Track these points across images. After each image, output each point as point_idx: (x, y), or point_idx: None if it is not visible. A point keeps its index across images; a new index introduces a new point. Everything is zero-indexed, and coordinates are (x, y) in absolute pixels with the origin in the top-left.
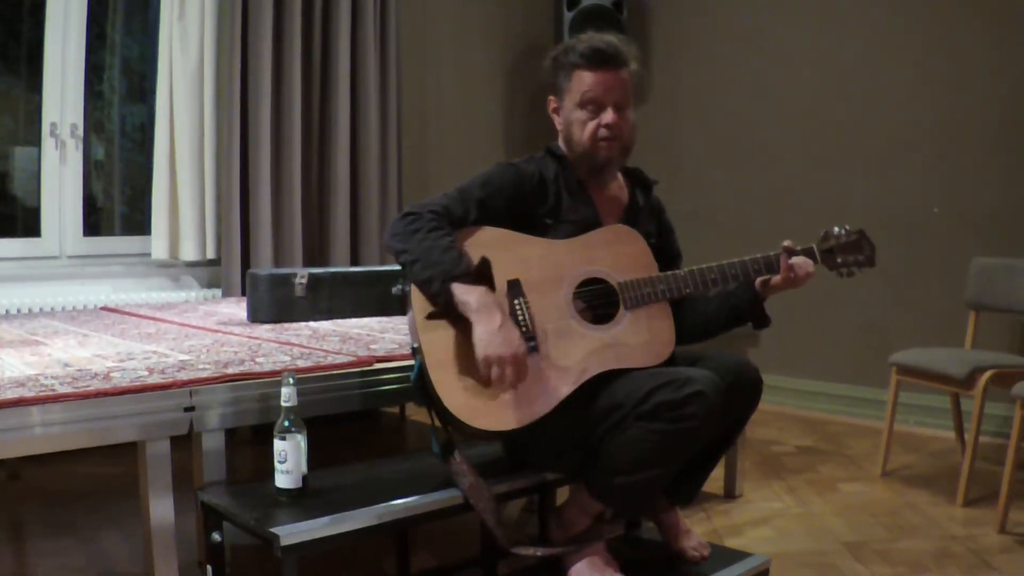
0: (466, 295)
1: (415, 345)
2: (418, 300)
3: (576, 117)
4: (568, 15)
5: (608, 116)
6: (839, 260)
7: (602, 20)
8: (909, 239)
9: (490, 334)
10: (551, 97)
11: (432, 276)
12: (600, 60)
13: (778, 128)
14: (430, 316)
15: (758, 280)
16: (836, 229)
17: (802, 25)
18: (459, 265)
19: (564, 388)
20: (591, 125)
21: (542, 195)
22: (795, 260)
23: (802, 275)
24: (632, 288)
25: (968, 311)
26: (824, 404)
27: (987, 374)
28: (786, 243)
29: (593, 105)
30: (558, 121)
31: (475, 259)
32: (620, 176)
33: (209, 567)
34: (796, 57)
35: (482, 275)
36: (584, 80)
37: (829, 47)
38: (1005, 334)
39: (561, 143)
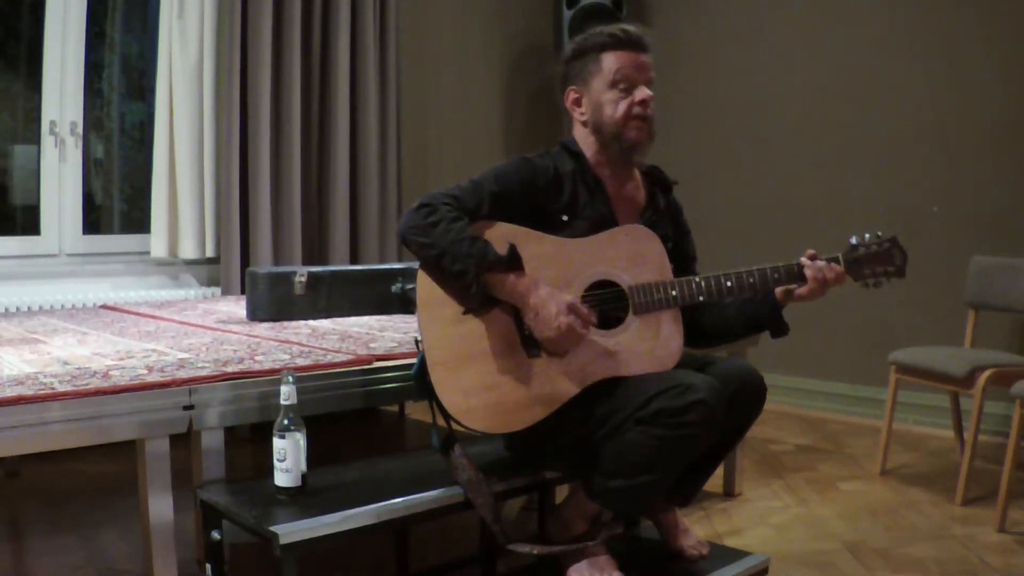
0: (507, 284)
1: (419, 337)
2: (424, 291)
3: (608, 97)
4: (567, 13)
5: (642, 92)
6: (867, 271)
7: (602, 18)
8: (908, 238)
9: (534, 321)
10: (571, 88)
11: (465, 268)
12: (630, 41)
13: (778, 127)
14: (465, 313)
15: (779, 289)
16: (867, 236)
17: (802, 25)
18: (489, 255)
19: (565, 393)
20: (624, 103)
21: (557, 190)
22: (830, 272)
23: (832, 278)
24: (643, 293)
25: (967, 310)
26: (823, 403)
27: (986, 373)
28: (810, 252)
29: (626, 83)
30: (579, 112)
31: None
32: (638, 175)
33: (208, 565)
34: (796, 56)
35: (513, 261)
36: (616, 59)
37: (829, 47)
38: (1004, 333)
39: (577, 137)
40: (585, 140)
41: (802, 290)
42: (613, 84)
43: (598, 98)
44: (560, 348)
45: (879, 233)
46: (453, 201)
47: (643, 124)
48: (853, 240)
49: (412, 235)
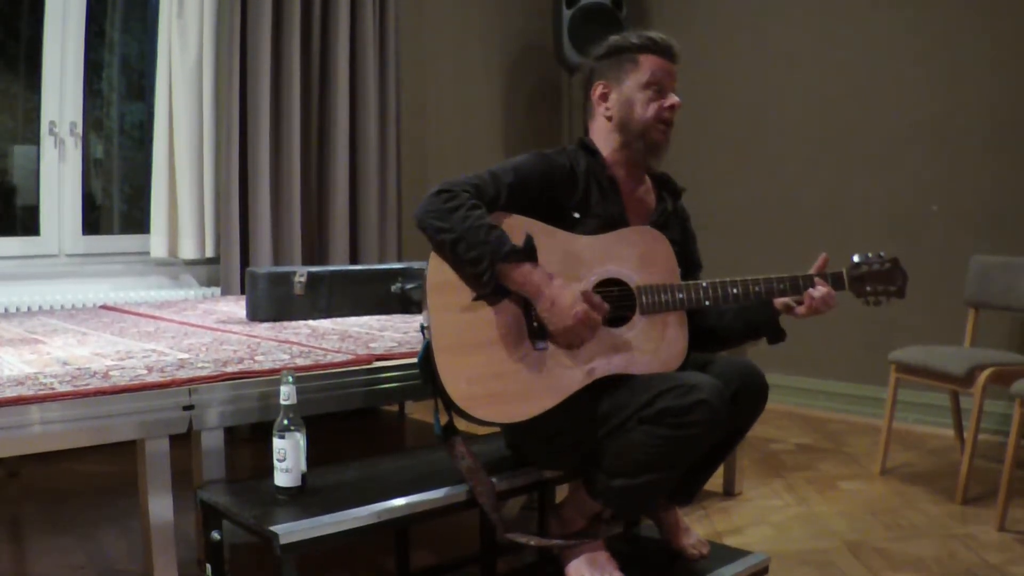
0: (520, 275)
1: (425, 324)
2: (435, 277)
3: (640, 97)
4: (567, 13)
5: (673, 99)
6: (868, 289)
7: (601, 18)
8: (908, 237)
9: (549, 311)
10: (600, 82)
11: (480, 255)
12: (668, 50)
13: (778, 127)
14: (476, 298)
15: (780, 301)
16: (869, 255)
17: (802, 25)
18: (506, 245)
19: (569, 387)
20: (655, 105)
21: (571, 187)
22: (818, 292)
23: (824, 309)
24: (650, 293)
25: (967, 309)
26: (823, 402)
27: (986, 372)
28: (814, 267)
29: (659, 87)
30: (604, 107)
31: None
32: (648, 180)
33: (208, 565)
34: (796, 56)
35: (528, 252)
36: (653, 63)
37: (829, 47)
38: (1004, 332)
39: (595, 136)
40: (604, 139)
41: (799, 310)
42: (648, 85)
43: (630, 95)
44: (573, 340)
45: (880, 253)
46: (473, 189)
47: (667, 129)
48: (856, 258)
49: (430, 219)
